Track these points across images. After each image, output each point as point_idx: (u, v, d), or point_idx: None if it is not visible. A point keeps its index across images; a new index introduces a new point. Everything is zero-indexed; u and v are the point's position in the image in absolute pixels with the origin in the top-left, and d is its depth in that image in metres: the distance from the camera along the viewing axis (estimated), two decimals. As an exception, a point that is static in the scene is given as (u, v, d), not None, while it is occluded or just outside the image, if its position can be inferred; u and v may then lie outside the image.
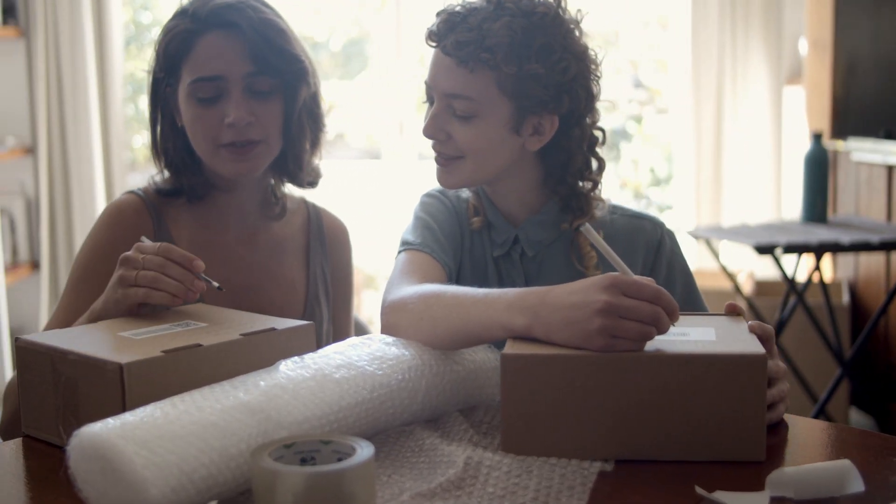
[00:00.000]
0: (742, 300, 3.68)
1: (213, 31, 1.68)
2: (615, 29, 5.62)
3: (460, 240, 1.67)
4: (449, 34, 1.55)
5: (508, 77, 1.52)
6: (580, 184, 1.63)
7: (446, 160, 1.60)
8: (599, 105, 1.63)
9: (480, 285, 1.41)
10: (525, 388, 1.22)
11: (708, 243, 3.59)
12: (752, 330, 1.32)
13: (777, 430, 1.34)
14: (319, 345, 1.39)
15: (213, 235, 1.79)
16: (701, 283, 4.08)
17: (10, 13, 4.29)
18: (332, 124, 6.10)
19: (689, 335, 1.28)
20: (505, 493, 1.11)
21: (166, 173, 1.80)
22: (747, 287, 3.99)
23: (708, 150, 4.54)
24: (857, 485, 1.11)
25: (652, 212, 6.16)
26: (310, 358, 1.27)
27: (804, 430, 1.36)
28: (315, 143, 1.83)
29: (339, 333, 1.93)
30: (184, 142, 1.75)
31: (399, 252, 1.62)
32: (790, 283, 3.38)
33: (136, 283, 1.44)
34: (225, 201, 1.80)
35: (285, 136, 1.76)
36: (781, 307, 3.60)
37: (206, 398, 1.14)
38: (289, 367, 1.24)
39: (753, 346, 1.23)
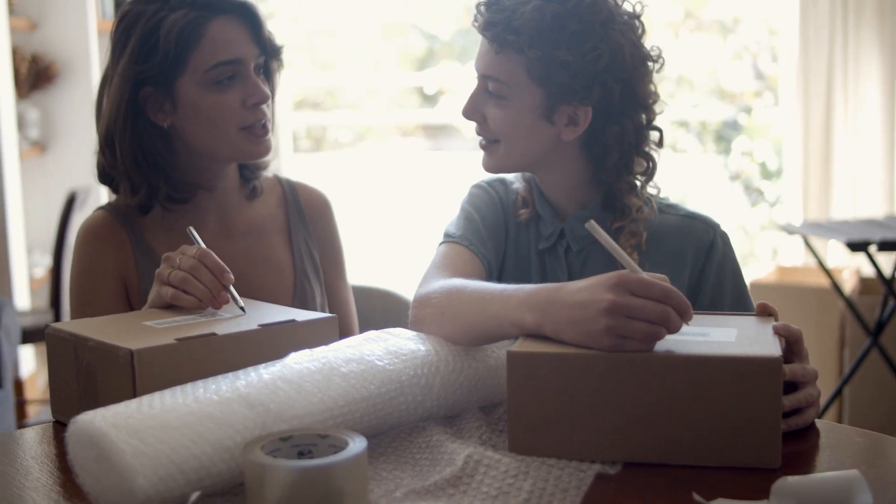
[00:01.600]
0: (840, 298, 3.56)
1: (222, 16, 1.66)
2: (734, 15, 5.50)
3: (504, 232, 1.65)
4: (486, 14, 1.55)
5: (536, 62, 1.50)
6: (619, 182, 1.59)
7: (486, 143, 1.60)
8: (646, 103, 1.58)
9: (523, 278, 1.39)
10: (531, 388, 1.19)
11: (805, 239, 3.47)
12: (776, 331, 1.27)
13: (807, 436, 1.28)
14: None
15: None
16: (803, 279, 3.99)
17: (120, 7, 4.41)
18: (441, 115, 6.11)
19: (707, 335, 1.24)
20: (498, 494, 1.09)
21: (136, 188, 1.70)
22: (850, 284, 3.86)
23: (817, 144, 4.40)
24: (865, 497, 1.05)
25: (762, 206, 5.95)
26: (320, 351, 1.27)
27: (839, 438, 1.30)
28: None
29: (337, 304, 1.89)
30: (165, 143, 1.71)
31: (439, 244, 1.62)
32: (886, 282, 3.25)
33: (168, 282, 1.46)
34: (205, 198, 1.77)
35: None
36: (881, 306, 3.46)
37: (206, 389, 1.15)
38: (296, 360, 1.24)
39: (770, 348, 1.18)
